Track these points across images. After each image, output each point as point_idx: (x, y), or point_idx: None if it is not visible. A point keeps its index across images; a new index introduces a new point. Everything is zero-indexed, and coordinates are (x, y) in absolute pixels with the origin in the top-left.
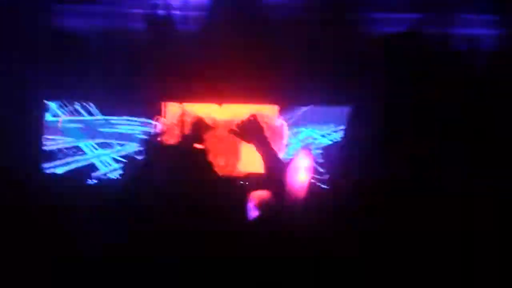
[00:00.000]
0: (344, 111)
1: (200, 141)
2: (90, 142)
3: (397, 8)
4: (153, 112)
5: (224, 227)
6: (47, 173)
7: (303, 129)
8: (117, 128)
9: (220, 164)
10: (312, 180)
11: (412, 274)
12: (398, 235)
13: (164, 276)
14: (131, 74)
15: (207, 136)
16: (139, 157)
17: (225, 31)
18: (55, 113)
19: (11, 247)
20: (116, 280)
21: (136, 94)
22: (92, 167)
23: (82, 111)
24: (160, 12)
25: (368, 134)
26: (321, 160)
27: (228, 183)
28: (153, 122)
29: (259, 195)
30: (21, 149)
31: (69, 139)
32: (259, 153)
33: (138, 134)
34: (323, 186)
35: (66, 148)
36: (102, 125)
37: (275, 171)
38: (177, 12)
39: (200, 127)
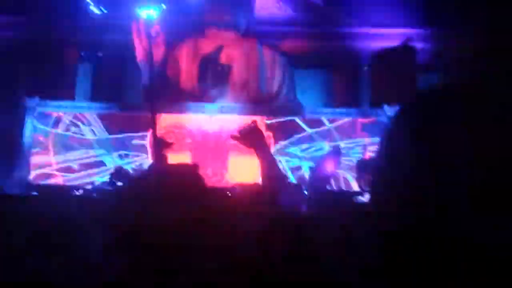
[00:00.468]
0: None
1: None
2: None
3: (392, 23)
4: (147, 123)
5: (215, 240)
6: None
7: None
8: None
9: (208, 174)
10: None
11: None
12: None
13: None
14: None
15: (196, 146)
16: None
17: (217, 44)
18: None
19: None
20: None
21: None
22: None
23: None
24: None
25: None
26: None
27: (216, 193)
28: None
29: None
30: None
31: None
32: (259, 159)
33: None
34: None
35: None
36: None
37: (272, 178)
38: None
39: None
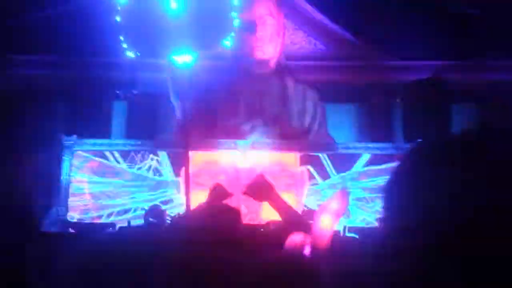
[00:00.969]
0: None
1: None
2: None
3: (422, 56)
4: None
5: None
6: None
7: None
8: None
9: (243, 212)
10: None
11: None
12: None
13: None
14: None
15: (230, 183)
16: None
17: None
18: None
19: None
20: None
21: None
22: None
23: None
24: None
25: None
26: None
27: (252, 230)
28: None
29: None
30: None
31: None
32: (274, 209)
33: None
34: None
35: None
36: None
37: (291, 225)
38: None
39: (218, 194)
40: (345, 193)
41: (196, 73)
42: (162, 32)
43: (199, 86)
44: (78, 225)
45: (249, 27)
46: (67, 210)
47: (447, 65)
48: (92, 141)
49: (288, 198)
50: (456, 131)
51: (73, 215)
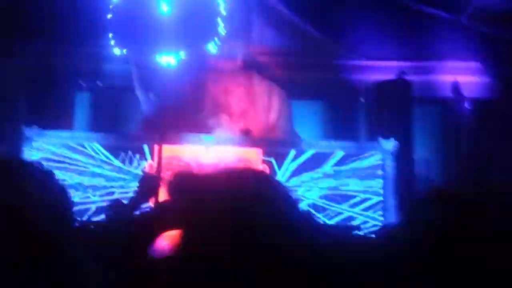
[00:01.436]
0: None
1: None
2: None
3: (386, 56)
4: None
5: None
6: None
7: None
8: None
9: None
10: None
11: None
12: None
13: None
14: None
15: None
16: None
17: (216, 77)
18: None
19: None
20: None
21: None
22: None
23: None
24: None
25: None
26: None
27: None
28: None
29: None
30: None
31: None
32: None
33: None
34: None
35: None
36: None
37: None
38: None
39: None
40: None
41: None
42: (150, 33)
43: (165, 80)
44: None
45: None
46: None
47: (411, 66)
48: (53, 132)
49: None
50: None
51: None
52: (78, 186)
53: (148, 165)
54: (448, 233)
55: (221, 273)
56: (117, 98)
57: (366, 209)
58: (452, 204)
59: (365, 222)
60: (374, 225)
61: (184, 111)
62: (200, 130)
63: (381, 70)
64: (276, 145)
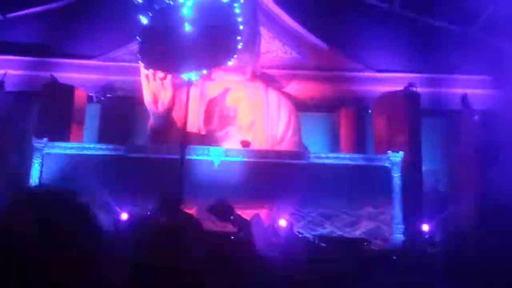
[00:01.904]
0: None
1: None
2: None
3: (395, 68)
4: None
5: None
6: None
7: None
8: None
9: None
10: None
11: None
12: None
13: None
14: None
15: None
16: None
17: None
18: None
19: None
20: None
21: None
22: None
23: None
24: None
25: None
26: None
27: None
28: None
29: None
30: None
31: None
32: (235, 226)
33: None
34: None
35: None
36: None
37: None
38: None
39: None
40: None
41: (170, 80)
42: (175, 52)
43: (172, 92)
44: None
45: None
46: None
47: (419, 78)
48: (63, 144)
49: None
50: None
51: None
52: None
53: None
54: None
55: None
56: (126, 109)
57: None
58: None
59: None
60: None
61: (193, 124)
62: (209, 142)
63: (390, 82)
64: (284, 156)
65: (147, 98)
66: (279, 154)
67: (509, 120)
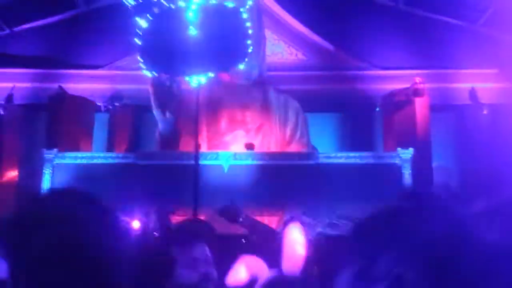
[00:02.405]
0: None
1: None
2: None
3: (402, 65)
4: None
5: None
6: None
7: None
8: None
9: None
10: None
11: None
12: None
13: None
14: None
15: None
16: None
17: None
18: None
19: None
20: None
21: None
22: None
23: None
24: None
25: None
26: None
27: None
28: None
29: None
30: None
31: None
32: (245, 228)
33: None
34: None
35: None
36: None
37: (263, 238)
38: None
39: None
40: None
41: (177, 86)
42: (180, 55)
43: (181, 97)
44: None
45: None
46: None
47: (427, 74)
48: (73, 154)
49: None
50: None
51: None
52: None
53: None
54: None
55: None
56: (135, 117)
57: None
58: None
59: None
60: None
61: (201, 129)
62: (217, 146)
63: (397, 79)
64: (293, 158)
65: (155, 105)
66: (288, 155)
67: None
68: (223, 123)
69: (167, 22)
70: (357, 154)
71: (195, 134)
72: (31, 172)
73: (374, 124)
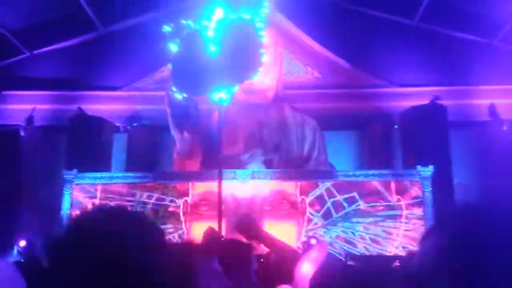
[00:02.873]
0: None
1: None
2: None
3: (420, 82)
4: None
5: None
6: None
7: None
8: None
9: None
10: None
11: None
12: None
13: None
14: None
15: (229, 213)
16: None
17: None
18: None
19: None
20: None
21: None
22: None
23: None
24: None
25: None
26: None
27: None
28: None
29: None
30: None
31: None
32: (262, 244)
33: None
34: None
35: None
36: None
37: (280, 257)
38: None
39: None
40: (324, 244)
41: (195, 105)
42: (204, 73)
43: (198, 117)
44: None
45: None
46: None
47: (445, 91)
48: (92, 174)
49: (289, 227)
50: None
51: None
52: None
53: (183, 202)
54: None
55: None
56: (153, 137)
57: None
58: None
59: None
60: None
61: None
62: (235, 166)
63: (415, 96)
64: (311, 176)
65: (172, 125)
66: (306, 174)
67: None
68: (240, 142)
69: (192, 43)
70: (376, 172)
71: (218, 152)
72: (51, 193)
73: (392, 141)
